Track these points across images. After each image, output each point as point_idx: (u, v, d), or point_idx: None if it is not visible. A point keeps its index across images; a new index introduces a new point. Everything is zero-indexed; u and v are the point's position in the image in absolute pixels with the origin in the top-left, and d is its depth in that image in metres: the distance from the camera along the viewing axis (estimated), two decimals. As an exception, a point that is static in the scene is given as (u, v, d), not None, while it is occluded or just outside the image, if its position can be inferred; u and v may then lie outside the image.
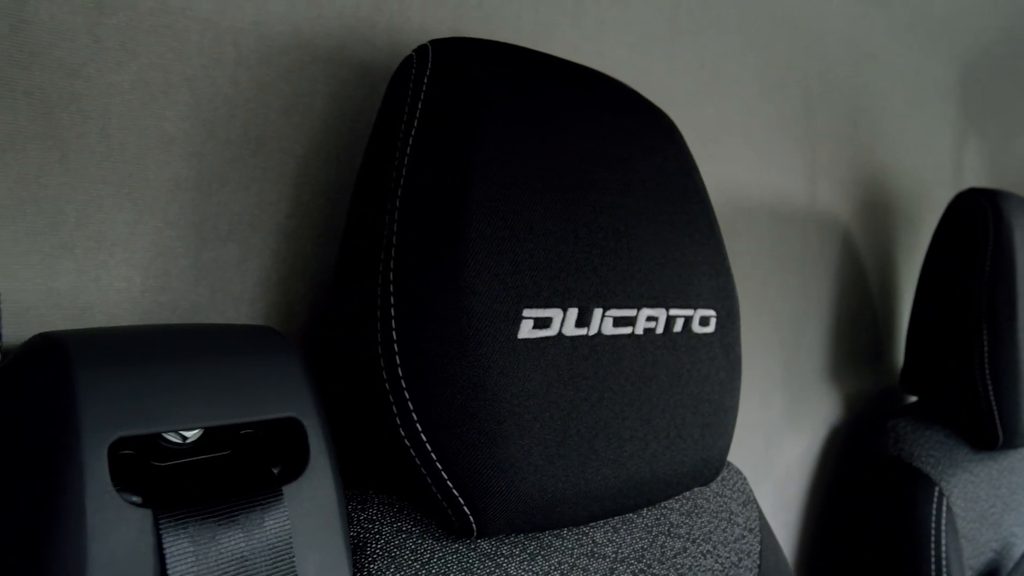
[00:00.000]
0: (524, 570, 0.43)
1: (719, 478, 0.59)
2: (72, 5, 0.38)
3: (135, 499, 0.32)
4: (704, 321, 0.49)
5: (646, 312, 0.45)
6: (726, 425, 0.50)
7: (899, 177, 1.19)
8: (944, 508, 0.86)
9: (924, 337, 0.97)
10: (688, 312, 0.48)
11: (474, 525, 0.39)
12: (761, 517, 0.60)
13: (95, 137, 0.40)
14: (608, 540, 0.48)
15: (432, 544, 0.41)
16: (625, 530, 0.50)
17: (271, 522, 0.34)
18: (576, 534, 0.47)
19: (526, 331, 0.40)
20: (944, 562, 0.84)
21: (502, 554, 0.43)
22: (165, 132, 0.42)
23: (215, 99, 0.44)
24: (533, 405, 0.40)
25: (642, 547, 0.50)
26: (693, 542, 0.53)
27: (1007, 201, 0.92)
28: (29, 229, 0.38)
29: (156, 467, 0.34)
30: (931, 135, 1.29)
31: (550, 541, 0.45)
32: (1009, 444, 0.92)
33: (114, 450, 0.31)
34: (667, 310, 0.46)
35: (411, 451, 0.39)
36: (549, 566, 0.44)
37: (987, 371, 0.89)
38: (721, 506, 0.57)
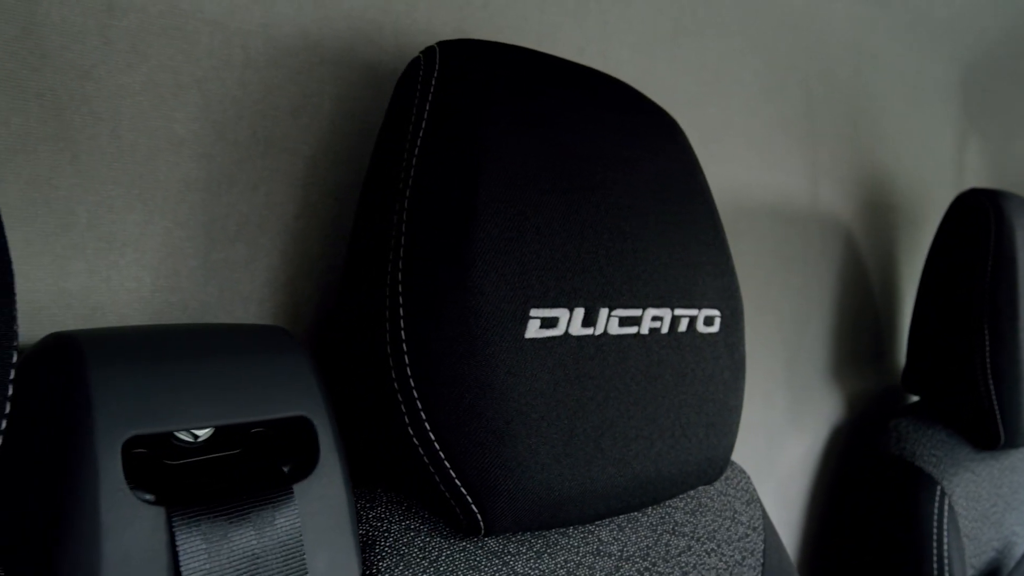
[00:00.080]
0: (531, 568, 0.44)
1: (723, 477, 0.59)
2: (83, 7, 0.39)
3: (148, 497, 0.32)
4: (708, 321, 0.49)
5: (651, 312, 0.46)
6: (730, 424, 0.51)
7: (900, 177, 1.20)
8: (946, 507, 0.86)
9: (926, 337, 0.98)
10: (693, 312, 0.48)
11: (482, 523, 0.40)
12: (764, 516, 0.60)
13: (106, 138, 0.40)
14: (613, 538, 0.49)
15: (440, 542, 0.41)
16: (630, 528, 0.50)
17: (282, 520, 0.34)
18: (582, 532, 0.47)
19: (533, 331, 0.40)
20: (946, 561, 0.84)
21: (509, 552, 0.43)
22: (175, 133, 0.42)
23: (224, 100, 0.44)
24: (540, 404, 0.40)
25: (647, 545, 0.50)
26: (697, 540, 0.53)
27: (1009, 201, 0.93)
28: (41, 230, 0.38)
29: (168, 465, 0.34)
30: (932, 135, 1.29)
31: (556, 539, 0.46)
32: (1011, 443, 0.92)
33: (127, 448, 0.32)
34: (672, 310, 0.47)
35: (419, 450, 0.39)
36: (555, 564, 0.45)
37: (989, 371, 0.90)
38: (725, 505, 0.57)
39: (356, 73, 0.50)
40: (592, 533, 0.48)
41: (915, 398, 1.13)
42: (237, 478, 0.35)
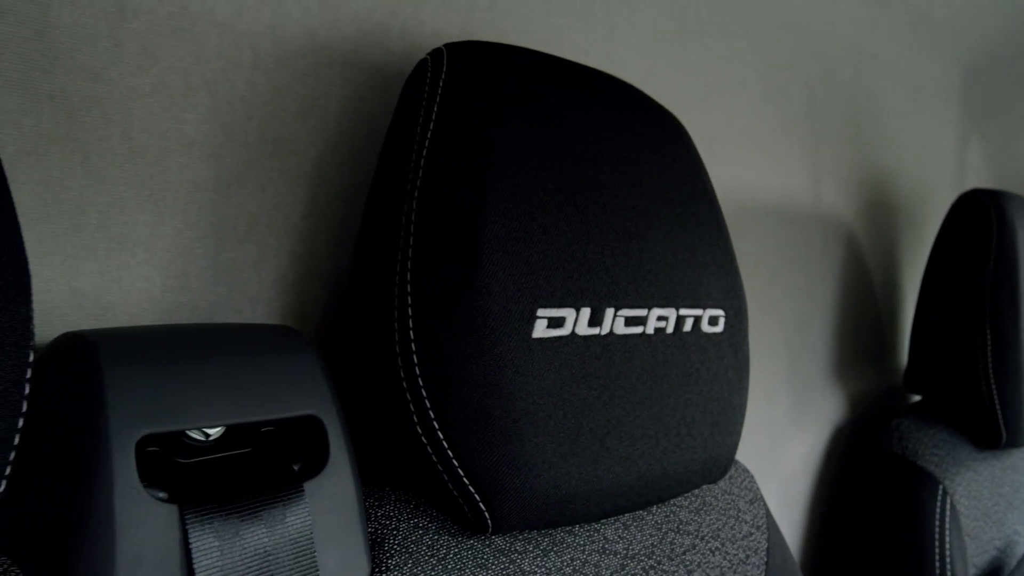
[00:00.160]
0: (537, 566, 0.44)
1: (727, 476, 0.59)
2: (94, 10, 0.39)
3: (161, 495, 0.33)
4: (713, 321, 0.50)
5: (657, 312, 0.46)
6: (735, 424, 0.51)
7: (902, 178, 1.20)
8: (948, 506, 0.87)
9: (928, 337, 0.98)
10: (698, 312, 0.48)
11: (489, 521, 0.40)
12: (768, 515, 0.61)
13: (117, 140, 0.40)
14: (619, 537, 0.49)
15: (448, 540, 0.42)
16: (635, 527, 0.50)
17: (293, 518, 0.35)
18: (588, 531, 0.48)
19: (540, 330, 0.40)
20: (948, 560, 0.85)
21: (516, 550, 0.44)
22: (185, 134, 0.42)
23: (233, 102, 0.44)
24: (547, 403, 0.40)
25: (652, 544, 0.50)
26: (702, 539, 0.54)
27: (1010, 202, 0.93)
28: (52, 230, 0.39)
29: (181, 464, 0.35)
30: (933, 136, 1.30)
31: (562, 538, 0.46)
32: (1012, 443, 0.92)
33: (140, 447, 0.32)
34: (677, 310, 0.47)
35: (428, 449, 0.39)
36: (562, 562, 0.45)
37: (990, 370, 0.90)
38: (729, 504, 0.58)
39: (363, 75, 0.50)
40: (598, 531, 0.48)
41: (917, 398, 1.13)
42: (248, 476, 0.36)
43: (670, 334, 0.47)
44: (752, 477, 0.61)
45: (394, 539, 0.40)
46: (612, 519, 0.49)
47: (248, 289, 0.46)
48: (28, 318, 0.27)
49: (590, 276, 0.43)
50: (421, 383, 0.39)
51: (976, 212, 0.94)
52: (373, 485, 0.43)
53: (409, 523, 0.41)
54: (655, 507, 0.52)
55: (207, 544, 0.32)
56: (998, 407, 0.90)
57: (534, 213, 0.41)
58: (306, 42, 0.47)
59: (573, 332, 0.42)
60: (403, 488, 0.43)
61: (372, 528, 0.40)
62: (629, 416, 0.44)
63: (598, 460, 0.42)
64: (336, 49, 0.48)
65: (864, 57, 1.07)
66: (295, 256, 0.48)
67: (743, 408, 0.52)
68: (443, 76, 0.42)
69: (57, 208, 0.39)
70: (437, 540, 0.41)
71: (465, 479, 0.39)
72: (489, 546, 0.43)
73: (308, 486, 0.36)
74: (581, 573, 0.46)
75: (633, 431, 0.44)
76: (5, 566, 0.31)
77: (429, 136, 0.41)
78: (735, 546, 0.56)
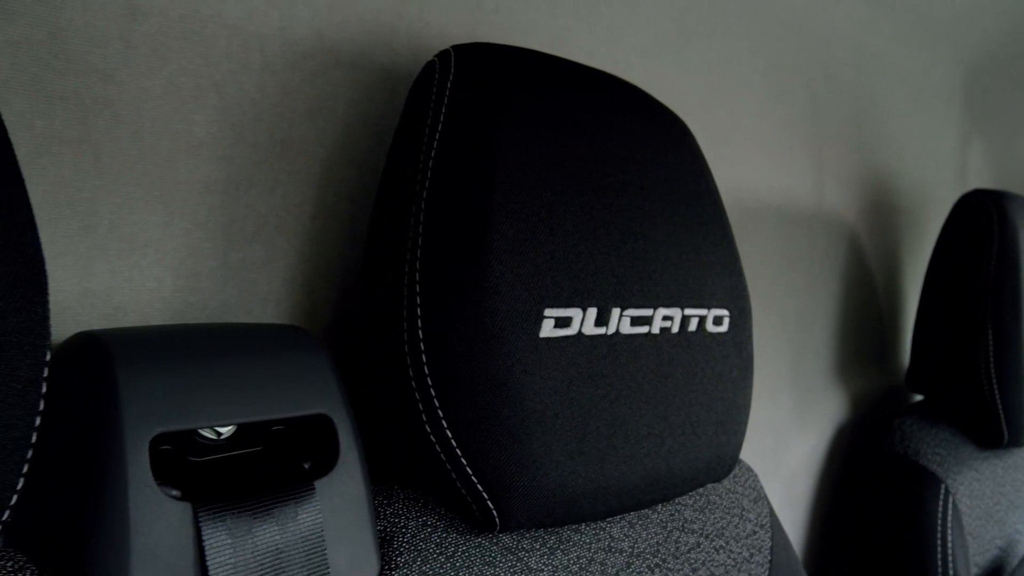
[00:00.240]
0: (544, 564, 0.44)
1: (731, 475, 0.60)
2: (106, 12, 0.39)
3: (175, 493, 0.33)
4: (718, 320, 0.50)
5: (662, 312, 0.46)
6: (739, 423, 0.51)
7: (904, 178, 1.20)
8: (950, 505, 0.87)
9: (930, 337, 0.98)
10: (702, 312, 0.49)
11: (497, 519, 0.40)
12: (772, 514, 0.61)
13: (128, 141, 0.41)
14: (625, 535, 0.49)
15: (456, 538, 0.42)
16: (641, 525, 0.51)
17: (304, 515, 0.35)
18: (594, 529, 0.48)
19: (547, 330, 0.41)
20: (950, 559, 0.85)
21: (523, 548, 0.44)
22: (195, 136, 0.43)
23: (242, 103, 0.45)
24: (554, 403, 0.41)
25: (657, 542, 0.51)
26: (706, 537, 0.54)
27: (1012, 202, 0.93)
28: (65, 231, 0.39)
29: (193, 462, 0.35)
30: (935, 137, 1.30)
31: (569, 536, 0.46)
32: (1014, 442, 0.93)
33: (153, 446, 0.32)
34: (682, 310, 0.47)
35: (437, 447, 0.40)
36: (568, 560, 0.45)
37: (992, 370, 0.90)
38: (733, 502, 0.58)
39: (371, 76, 0.50)
40: (604, 530, 0.48)
41: (919, 397, 1.13)
42: (260, 475, 0.36)
43: (675, 334, 0.47)
44: (756, 476, 0.62)
45: (403, 537, 0.40)
46: (618, 517, 0.50)
47: (257, 289, 0.46)
48: (45, 318, 0.28)
49: (596, 276, 0.43)
50: (430, 382, 0.39)
51: (978, 212, 0.94)
52: (381, 484, 0.43)
53: (418, 521, 0.41)
54: (660, 505, 0.53)
55: (220, 541, 0.32)
56: (1000, 406, 0.90)
57: (541, 214, 0.41)
58: (314, 44, 0.47)
59: (580, 332, 0.42)
60: (411, 487, 0.43)
61: (381, 526, 0.41)
62: (635, 415, 0.44)
63: (605, 459, 0.43)
64: (344, 51, 0.49)
65: (866, 58, 1.07)
66: (304, 256, 0.48)
67: (747, 407, 0.52)
68: (451, 78, 0.42)
69: (69, 209, 0.39)
70: (445, 538, 0.42)
71: (473, 477, 0.40)
72: (496, 544, 0.43)
73: (319, 484, 0.36)
74: (587, 571, 0.46)
75: (639, 430, 0.44)
76: (21, 563, 0.32)
77: (437, 138, 0.41)
78: (739, 544, 0.56)
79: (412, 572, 0.39)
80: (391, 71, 0.51)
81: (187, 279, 0.43)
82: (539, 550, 0.45)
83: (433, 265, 0.40)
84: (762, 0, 0.85)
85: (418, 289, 0.40)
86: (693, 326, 0.48)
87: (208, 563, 0.32)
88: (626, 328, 0.44)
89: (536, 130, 0.42)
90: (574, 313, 0.42)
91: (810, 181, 0.97)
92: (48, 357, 0.28)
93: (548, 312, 0.41)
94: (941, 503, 0.87)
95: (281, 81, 0.46)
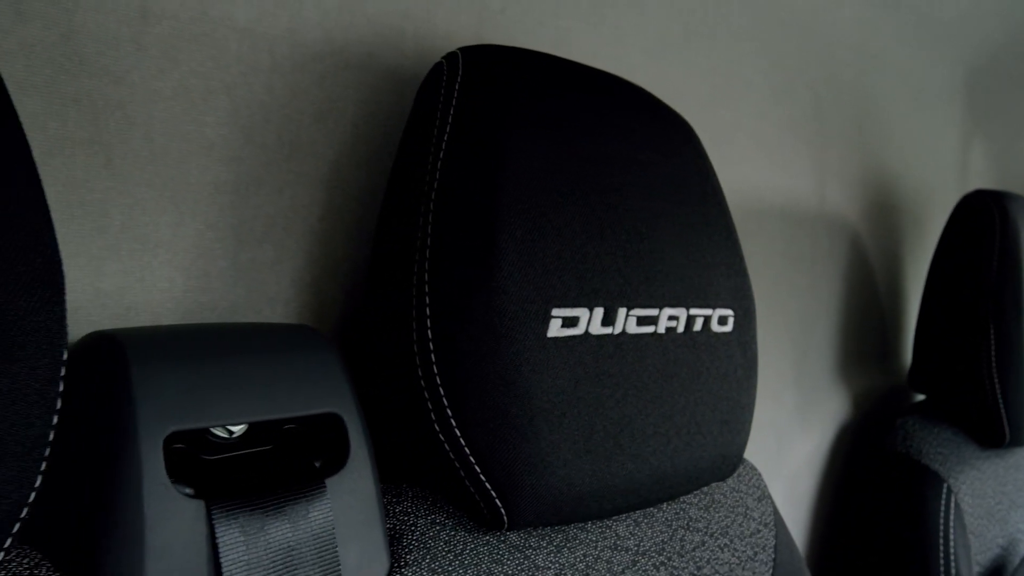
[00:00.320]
0: (551, 562, 0.45)
1: (735, 474, 0.60)
2: (118, 15, 0.40)
3: (188, 491, 0.33)
4: (722, 320, 0.50)
5: (668, 311, 0.47)
6: (743, 422, 0.52)
7: (905, 179, 1.21)
8: (952, 504, 0.87)
9: (932, 337, 0.99)
10: (707, 312, 0.49)
11: (505, 518, 0.41)
12: (776, 512, 0.61)
13: (139, 142, 0.41)
14: (630, 533, 0.50)
15: (464, 536, 0.42)
16: (646, 524, 0.51)
17: (315, 513, 0.35)
18: (600, 527, 0.48)
19: (555, 330, 0.41)
20: (952, 558, 0.85)
21: (530, 546, 0.44)
22: (205, 137, 0.43)
23: (252, 105, 0.45)
24: (562, 402, 0.41)
25: (662, 540, 0.51)
26: (711, 536, 0.54)
27: (1013, 202, 0.94)
28: (77, 231, 0.39)
29: (206, 460, 0.35)
30: (937, 137, 1.30)
31: (575, 534, 0.47)
32: (1016, 442, 0.93)
33: (167, 444, 0.33)
34: (687, 309, 0.48)
35: (446, 446, 0.40)
36: (575, 558, 0.46)
37: (994, 370, 0.91)
38: (737, 501, 0.58)
39: (378, 78, 0.51)
40: (610, 528, 0.49)
41: (921, 397, 1.14)
42: (271, 473, 0.36)
43: (681, 334, 0.47)
44: (759, 475, 0.62)
45: (412, 535, 0.41)
46: (623, 516, 0.50)
47: (267, 289, 0.47)
48: (62, 317, 0.28)
49: (603, 276, 0.43)
50: (439, 382, 0.40)
51: (979, 213, 0.94)
52: (390, 482, 0.43)
53: (426, 519, 0.42)
54: (665, 504, 0.53)
55: (233, 539, 0.33)
56: (1001, 406, 0.91)
57: (548, 215, 0.42)
58: (323, 46, 0.48)
59: (587, 331, 0.42)
60: (420, 485, 0.44)
61: (390, 524, 0.41)
62: (641, 414, 0.45)
63: (611, 457, 0.43)
64: (352, 52, 0.49)
65: (868, 59, 1.07)
66: (312, 257, 0.49)
67: (751, 407, 0.53)
68: (459, 79, 0.42)
69: (82, 210, 0.39)
70: (454, 536, 0.42)
71: (482, 476, 0.40)
72: (504, 542, 0.44)
73: (329, 482, 0.37)
74: (594, 569, 0.46)
75: (645, 429, 0.45)
76: (36, 560, 0.32)
77: (446, 139, 0.41)
78: (743, 543, 0.57)
79: (421, 569, 0.40)
80: (398, 72, 0.52)
81: (198, 279, 0.44)
82: (546, 548, 0.45)
83: (442, 265, 0.40)
84: (765, 2, 0.86)
85: (427, 289, 0.40)
86: (698, 326, 0.49)
87: (221, 560, 0.32)
88: (632, 328, 0.45)
89: (543, 131, 0.43)
90: (581, 313, 0.42)
91: (812, 181, 0.98)
92: (65, 356, 0.28)
93: (556, 312, 0.41)
94: (943, 502, 0.87)
95: (290, 83, 0.46)
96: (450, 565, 0.41)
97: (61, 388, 0.28)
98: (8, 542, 0.27)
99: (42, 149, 0.38)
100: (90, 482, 0.32)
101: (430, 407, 0.40)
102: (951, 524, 0.86)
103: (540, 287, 0.41)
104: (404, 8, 0.52)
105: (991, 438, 0.93)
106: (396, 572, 0.39)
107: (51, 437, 0.28)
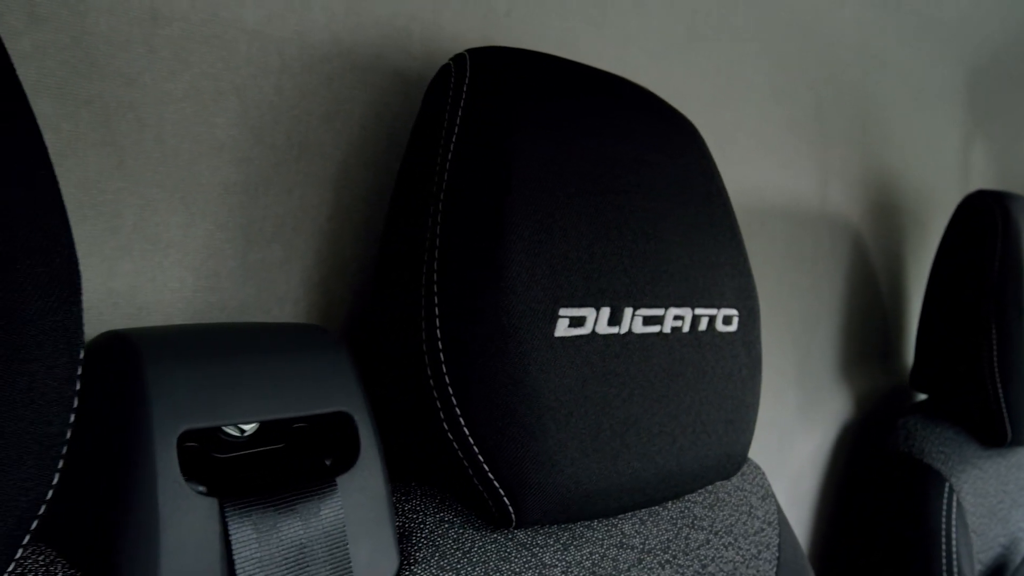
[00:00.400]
0: (558, 559, 0.45)
1: (739, 473, 0.60)
2: (129, 17, 0.40)
3: (201, 489, 0.34)
4: (727, 320, 0.51)
5: (673, 311, 0.47)
6: (748, 421, 0.52)
7: (907, 179, 1.21)
8: (954, 503, 0.88)
9: (934, 336, 0.99)
10: (712, 311, 0.50)
11: (513, 516, 0.41)
12: (779, 511, 0.62)
13: (151, 143, 0.41)
14: (636, 531, 0.50)
15: (473, 534, 0.43)
16: (651, 522, 0.51)
17: (326, 511, 0.36)
18: (606, 525, 0.49)
19: (562, 329, 0.42)
20: (955, 557, 0.86)
21: (537, 544, 0.45)
22: (216, 138, 0.44)
23: (261, 106, 0.45)
24: (569, 401, 0.41)
25: (667, 538, 0.52)
26: (716, 534, 0.55)
27: (1014, 203, 0.94)
28: (90, 232, 0.40)
29: (218, 459, 0.36)
30: (938, 137, 1.31)
31: (582, 532, 0.47)
32: (1017, 441, 0.93)
33: (180, 442, 0.33)
34: (693, 309, 0.48)
35: (454, 445, 0.40)
36: (581, 556, 0.46)
37: (996, 370, 0.91)
38: (742, 500, 0.59)
39: (386, 79, 0.51)
40: (615, 526, 0.49)
41: (923, 396, 1.14)
42: (283, 471, 0.37)
43: (686, 333, 0.48)
44: (763, 474, 0.63)
45: (421, 533, 0.41)
46: (629, 514, 0.50)
47: (276, 289, 0.47)
48: (79, 317, 0.28)
49: (609, 277, 0.44)
50: (447, 381, 0.40)
51: (981, 213, 0.95)
52: (399, 481, 0.44)
53: (435, 517, 0.42)
54: (670, 503, 0.53)
55: (246, 536, 0.33)
56: (1003, 406, 0.91)
57: (555, 215, 0.42)
58: (331, 47, 0.48)
59: (594, 331, 0.43)
60: (428, 484, 0.44)
61: (400, 522, 0.41)
62: (647, 413, 0.45)
63: (618, 456, 0.43)
64: (360, 54, 0.49)
65: (869, 59, 1.08)
66: (320, 257, 0.49)
67: (756, 406, 0.53)
68: (467, 81, 0.43)
69: (94, 210, 0.40)
70: (462, 534, 0.42)
71: (490, 475, 0.40)
72: (512, 540, 0.44)
73: (340, 480, 0.37)
74: (600, 567, 0.47)
75: (651, 428, 0.45)
76: (51, 557, 0.32)
77: (454, 140, 0.42)
78: (747, 541, 0.57)
79: (430, 567, 0.40)
80: (406, 74, 0.52)
81: (208, 279, 0.44)
82: (553, 546, 0.45)
83: (450, 265, 0.40)
84: (768, 3, 0.86)
85: (436, 289, 0.40)
86: (703, 326, 0.49)
87: (234, 557, 0.33)
88: (639, 327, 0.45)
89: (550, 132, 0.43)
90: (588, 313, 0.43)
91: (814, 182, 0.98)
92: (82, 356, 0.29)
93: (563, 312, 0.42)
94: (945, 501, 0.88)
95: (299, 84, 0.47)
96: (459, 563, 0.41)
97: (78, 387, 0.28)
98: (27, 539, 0.27)
99: (55, 151, 0.38)
100: (105, 480, 0.32)
101: (439, 406, 0.40)
102: (953, 523, 0.87)
103: (547, 287, 0.41)
104: (411, 10, 0.52)
105: (993, 437, 0.94)
106: (405, 569, 0.39)
107: (68, 436, 0.28)
